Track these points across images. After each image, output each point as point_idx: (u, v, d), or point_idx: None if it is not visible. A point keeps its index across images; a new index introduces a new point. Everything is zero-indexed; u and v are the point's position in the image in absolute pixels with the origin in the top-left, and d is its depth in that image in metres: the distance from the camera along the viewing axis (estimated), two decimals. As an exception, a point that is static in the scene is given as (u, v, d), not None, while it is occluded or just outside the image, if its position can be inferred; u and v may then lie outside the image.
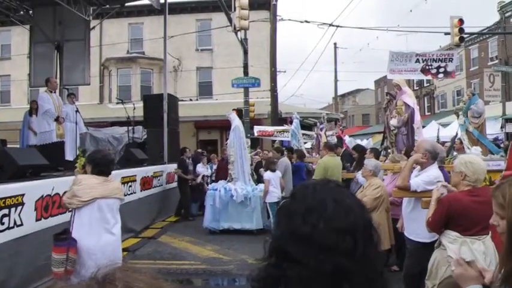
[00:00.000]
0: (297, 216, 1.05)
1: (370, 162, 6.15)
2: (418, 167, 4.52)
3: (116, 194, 4.27)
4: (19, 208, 5.20)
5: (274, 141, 18.53)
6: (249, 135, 14.48)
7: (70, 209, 4.15)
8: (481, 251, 3.23)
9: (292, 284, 1.00)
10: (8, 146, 11.10)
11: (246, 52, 16.50)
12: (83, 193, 3.98)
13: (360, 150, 8.64)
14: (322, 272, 0.98)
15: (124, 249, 7.62)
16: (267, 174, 8.69)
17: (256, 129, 17.06)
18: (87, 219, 4.00)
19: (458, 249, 3.25)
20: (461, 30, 14.10)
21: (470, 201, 3.30)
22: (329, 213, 1.03)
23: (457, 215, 3.32)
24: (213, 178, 11.82)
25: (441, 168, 4.76)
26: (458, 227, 3.31)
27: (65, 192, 4.42)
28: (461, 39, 14.38)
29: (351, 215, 1.03)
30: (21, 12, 12.95)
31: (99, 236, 4.03)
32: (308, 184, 1.17)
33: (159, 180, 10.72)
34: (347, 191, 1.16)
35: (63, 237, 4.01)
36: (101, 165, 4.19)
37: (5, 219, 4.96)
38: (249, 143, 13.28)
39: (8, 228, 5.01)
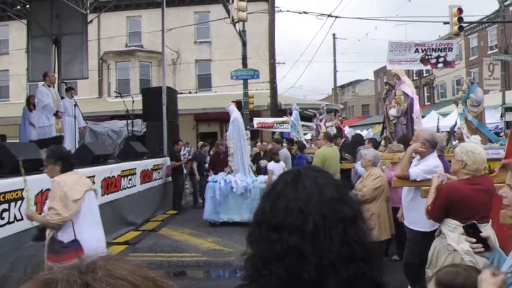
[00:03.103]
0: (259, 202, 1.08)
1: (369, 152, 6.14)
2: (418, 157, 4.52)
3: (91, 186, 4.11)
4: (19, 203, 5.21)
5: (274, 132, 18.53)
6: (248, 127, 14.47)
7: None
8: (480, 239, 3.22)
9: (261, 269, 0.98)
10: (8, 141, 11.10)
11: (244, 44, 16.42)
12: (74, 191, 3.72)
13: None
14: (274, 253, 0.96)
15: (124, 243, 7.70)
16: (270, 165, 8.70)
17: (256, 121, 17.05)
18: (82, 215, 3.81)
19: (458, 238, 3.25)
20: (460, 20, 14.02)
21: (469, 190, 3.30)
22: (277, 193, 1.03)
23: (457, 203, 3.32)
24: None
25: (441, 157, 4.75)
26: (458, 216, 3.31)
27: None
28: (461, 28, 14.30)
29: (301, 193, 1.01)
30: (18, 7, 12.86)
31: (93, 229, 3.90)
32: (282, 173, 1.18)
33: (159, 173, 10.73)
34: (315, 172, 1.09)
35: (68, 243, 3.72)
36: (70, 159, 3.99)
37: (5, 214, 4.97)
38: (249, 135, 13.29)
39: (9, 222, 5.02)
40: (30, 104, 10.11)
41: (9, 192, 5.07)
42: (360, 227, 1.01)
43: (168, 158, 11.34)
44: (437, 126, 13.51)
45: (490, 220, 3.43)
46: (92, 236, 3.85)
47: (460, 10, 14.00)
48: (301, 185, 1.03)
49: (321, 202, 0.99)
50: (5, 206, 4.97)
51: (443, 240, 3.39)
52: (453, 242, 3.28)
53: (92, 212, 3.96)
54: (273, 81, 19.21)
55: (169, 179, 11.25)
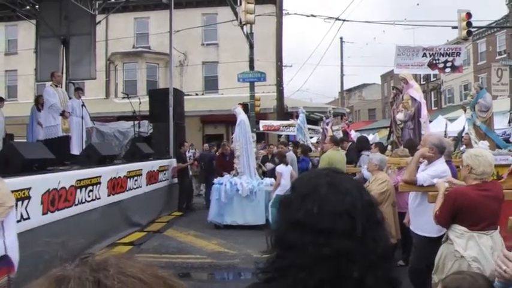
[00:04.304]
0: (293, 204, 1.07)
1: (375, 156, 6.11)
2: (425, 161, 4.49)
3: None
4: (26, 202, 5.24)
5: (280, 135, 18.52)
6: (254, 129, 14.48)
7: None
8: (488, 245, 3.20)
9: (297, 273, 1.00)
10: (15, 140, 11.18)
11: (251, 46, 16.45)
12: (7, 197, 3.24)
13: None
14: (321, 257, 0.98)
15: (130, 243, 7.71)
16: (280, 168, 8.69)
17: (262, 123, 17.06)
18: (11, 225, 3.30)
19: (465, 244, 3.22)
20: (469, 24, 13.95)
21: (477, 196, 3.27)
22: (322, 196, 1.05)
23: (464, 209, 3.29)
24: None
25: (448, 162, 4.72)
26: (466, 222, 3.29)
27: None
28: (469, 33, 14.24)
29: (346, 197, 1.04)
30: (28, 7, 12.99)
31: (16, 240, 3.36)
32: (305, 174, 1.21)
33: (164, 174, 10.74)
34: (344, 175, 1.16)
35: None
36: None
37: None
38: (255, 138, 13.29)
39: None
40: (38, 103, 10.19)
41: (16, 191, 5.08)
42: (386, 228, 1.09)
43: (174, 160, 11.36)
44: (445, 131, 13.45)
45: (498, 227, 3.40)
46: (17, 247, 3.31)
47: (468, 15, 13.94)
48: (343, 189, 1.06)
49: (363, 205, 1.05)
50: (12, 204, 4.99)
51: (450, 246, 3.36)
52: (460, 248, 3.25)
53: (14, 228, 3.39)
54: (279, 84, 19.21)
55: (175, 180, 11.27)
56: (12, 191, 5.00)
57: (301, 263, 1.00)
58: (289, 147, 11.64)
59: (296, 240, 1.01)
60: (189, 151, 13.33)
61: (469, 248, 3.20)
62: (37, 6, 12.99)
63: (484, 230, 3.25)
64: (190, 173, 12.33)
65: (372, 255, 1.00)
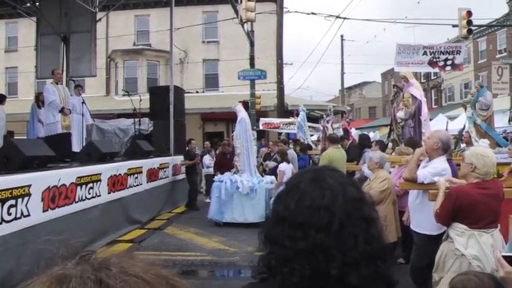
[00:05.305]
0: (279, 200, 1.09)
1: (375, 154, 6.11)
2: (426, 158, 4.48)
3: None
4: (26, 199, 5.24)
5: (280, 133, 18.52)
6: (255, 127, 14.47)
7: None
8: (489, 244, 3.20)
9: (281, 268, 1.00)
10: (16, 137, 11.18)
11: (252, 44, 16.44)
12: None
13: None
14: (298, 251, 0.98)
15: (130, 241, 7.72)
16: (283, 166, 8.72)
17: (262, 121, 17.04)
18: None
19: (466, 242, 3.22)
20: (469, 23, 13.94)
21: (478, 194, 3.27)
22: (301, 191, 1.05)
23: (465, 207, 3.29)
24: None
25: (449, 161, 4.71)
26: (466, 220, 3.28)
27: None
28: (470, 31, 14.22)
29: (326, 192, 1.03)
30: (28, 4, 12.97)
31: None
32: (298, 171, 1.19)
33: (165, 172, 10.75)
34: (334, 172, 1.12)
35: None
36: None
37: (12, 210, 5.00)
38: (255, 135, 13.28)
39: (15, 218, 5.04)
40: (39, 101, 10.20)
41: (17, 188, 5.09)
42: (378, 226, 1.06)
43: (175, 157, 11.37)
44: (446, 130, 13.44)
45: (499, 225, 3.40)
46: None
47: (469, 13, 13.92)
48: (325, 184, 1.05)
49: (345, 201, 1.02)
50: (12, 202, 5.00)
51: (451, 244, 3.35)
52: (461, 246, 3.25)
53: None
54: (280, 82, 19.18)
55: (177, 177, 11.30)
56: (13, 188, 5.03)
57: (282, 257, 1.00)
58: (290, 145, 11.63)
59: (278, 234, 1.02)
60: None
61: (470, 246, 3.20)
62: (37, 4, 12.98)
63: (484, 228, 3.25)
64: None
65: (352, 253, 0.97)
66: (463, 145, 8.31)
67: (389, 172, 6.52)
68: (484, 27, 25.64)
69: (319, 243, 0.97)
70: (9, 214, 4.95)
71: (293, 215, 1.02)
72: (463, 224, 3.30)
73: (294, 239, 0.99)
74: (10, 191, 4.97)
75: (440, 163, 4.30)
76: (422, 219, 4.31)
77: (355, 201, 1.03)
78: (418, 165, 4.55)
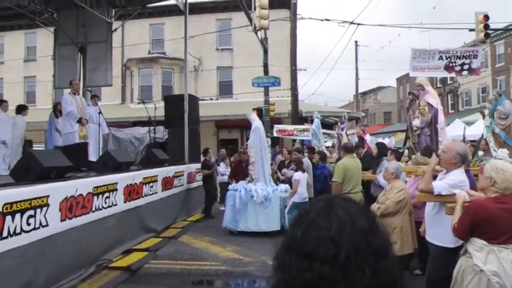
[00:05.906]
0: (290, 227, 1.09)
1: (391, 164, 6.05)
2: (444, 170, 4.41)
3: None
4: (44, 209, 5.31)
5: (294, 140, 18.47)
6: (269, 134, 14.46)
7: None
8: (509, 260, 3.13)
9: None
10: (34, 146, 11.38)
11: (266, 51, 16.47)
12: None
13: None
14: (303, 281, 0.97)
15: (145, 249, 7.76)
16: (297, 175, 8.68)
17: (276, 128, 17.00)
18: None
19: (485, 258, 3.16)
20: (486, 27, 13.77)
21: (497, 209, 3.20)
22: (309, 221, 1.04)
23: (484, 222, 3.23)
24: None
25: (467, 171, 4.63)
26: (485, 235, 3.22)
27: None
28: (487, 35, 14.03)
29: (334, 223, 1.01)
30: (46, 16, 13.22)
31: None
32: (313, 199, 1.22)
33: (180, 180, 10.80)
34: (346, 202, 1.10)
35: None
36: None
37: (31, 220, 5.07)
38: (269, 143, 13.25)
39: (34, 228, 5.12)
40: (57, 110, 10.39)
41: (35, 199, 5.17)
42: (390, 258, 1.03)
43: (190, 165, 11.42)
44: (464, 136, 13.23)
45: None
46: None
47: (486, 17, 13.76)
48: (334, 215, 1.03)
49: (353, 233, 1.00)
50: (31, 212, 5.07)
51: (470, 259, 3.29)
52: (480, 262, 3.18)
53: None
54: (294, 89, 19.15)
55: (191, 185, 11.35)
56: (32, 199, 5.11)
57: (286, 284, 1.00)
58: (305, 153, 11.59)
59: (286, 263, 1.02)
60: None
61: (489, 262, 3.14)
62: (55, 15, 13.22)
63: (504, 243, 3.18)
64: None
65: (361, 286, 0.96)
66: (480, 153, 8.16)
67: (405, 181, 6.45)
68: (502, 31, 25.26)
69: (324, 276, 0.96)
70: (29, 224, 5.02)
71: (300, 245, 1.02)
72: (481, 239, 3.24)
73: (301, 270, 0.98)
74: (29, 201, 5.05)
75: (459, 175, 4.23)
76: (439, 231, 4.24)
77: (363, 233, 1.01)
78: (435, 176, 4.50)
